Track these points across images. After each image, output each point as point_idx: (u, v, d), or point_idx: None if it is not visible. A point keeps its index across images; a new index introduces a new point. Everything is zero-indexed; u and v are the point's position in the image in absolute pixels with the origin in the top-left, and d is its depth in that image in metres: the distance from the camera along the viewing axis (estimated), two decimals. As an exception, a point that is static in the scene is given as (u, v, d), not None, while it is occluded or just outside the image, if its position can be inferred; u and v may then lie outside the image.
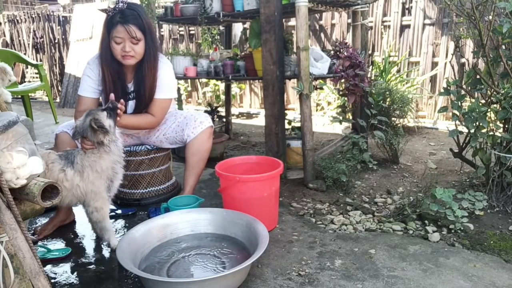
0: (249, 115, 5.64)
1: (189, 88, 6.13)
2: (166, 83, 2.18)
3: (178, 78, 3.50)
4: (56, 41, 7.46)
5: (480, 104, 2.30)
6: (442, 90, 2.56)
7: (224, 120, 4.10)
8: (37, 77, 7.21)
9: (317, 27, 5.15)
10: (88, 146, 1.77)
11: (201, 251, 1.82)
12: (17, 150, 1.12)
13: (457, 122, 2.45)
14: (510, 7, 2.08)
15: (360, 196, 2.54)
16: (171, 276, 1.64)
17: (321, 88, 4.16)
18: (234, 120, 4.80)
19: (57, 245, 1.99)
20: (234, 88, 5.42)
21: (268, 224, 1.97)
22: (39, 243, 2.00)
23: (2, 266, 1.07)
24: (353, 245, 1.90)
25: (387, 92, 3.63)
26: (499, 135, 2.29)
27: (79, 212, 2.26)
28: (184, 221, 1.95)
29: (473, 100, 2.31)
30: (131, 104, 2.22)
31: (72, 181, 1.73)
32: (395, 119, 3.66)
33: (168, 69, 2.20)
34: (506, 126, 2.31)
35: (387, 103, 3.61)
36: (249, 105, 5.82)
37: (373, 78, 3.73)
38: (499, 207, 2.26)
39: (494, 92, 2.34)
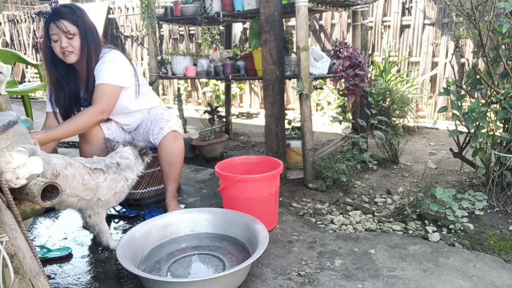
0: (249, 115, 5.64)
1: (189, 88, 6.13)
2: (105, 69, 2.03)
3: (178, 78, 3.51)
4: (56, 41, 7.46)
5: (480, 104, 2.30)
6: (442, 90, 2.56)
7: (224, 120, 4.10)
8: (37, 77, 7.21)
9: (317, 27, 5.15)
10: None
11: (201, 251, 1.82)
12: (17, 150, 1.12)
13: (457, 122, 2.45)
14: (510, 7, 2.08)
15: (360, 196, 2.54)
16: (171, 276, 1.64)
17: (321, 88, 4.16)
18: (234, 120, 4.80)
19: (57, 245, 1.99)
20: (234, 88, 5.41)
21: (268, 224, 1.97)
22: (39, 243, 2.00)
23: (2, 266, 1.07)
24: (353, 245, 1.90)
25: (387, 92, 3.63)
26: (499, 135, 2.29)
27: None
28: (184, 221, 1.95)
29: (473, 100, 2.31)
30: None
31: (101, 185, 1.79)
32: (395, 119, 3.65)
33: (109, 58, 2.06)
34: (506, 126, 2.31)
35: (387, 103, 3.61)
36: (249, 105, 5.82)
37: (373, 78, 3.73)
38: (499, 207, 2.26)
39: (494, 92, 2.34)
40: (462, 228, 2.02)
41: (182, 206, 2.39)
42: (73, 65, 2.07)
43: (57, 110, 2.14)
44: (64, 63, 2.05)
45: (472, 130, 2.34)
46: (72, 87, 2.12)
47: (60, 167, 1.66)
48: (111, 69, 2.04)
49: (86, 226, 2.13)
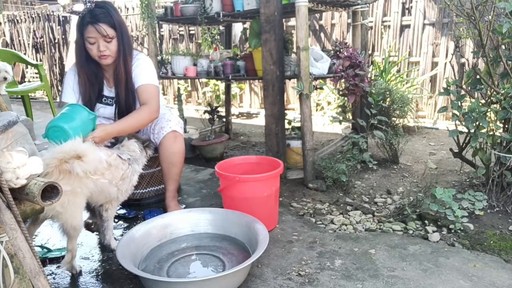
0: (249, 115, 5.64)
1: (189, 88, 6.13)
2: (144, 70, 2.11)
3: (178, 78, 3.51)
4: (56, 41, 7.46)
5: (480, 104, 2.30)
6: (442, 90, 2.56)
7: (224, 120, 4.10)
8: (37, 77, 7.20)
9: (317, 27, 5.15)
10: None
11: (201, 251, 1.82)
12: (17, 150, 1.12)
13: (457, 122, 2.45)
14: (510, 7, 2.08)
15: (360, 196, 2.54)
16: (171, 276, 1.64)
17: (321, 88, 4.16)
18: (234, 120, 4.80)
19: (57, 245, 1.99)
20: (234, 88, 5.41)
21: (268, 224, 1.97)
22: (39, 243, 2.00)
23: (2, 266, 1.07)
24: (353, 245, 1.90)
25: (387, 92, 3.63)
26: (499, 135, 2.29)
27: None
28: (184, 221, 1.95)
29: (473, 100, 2.31)
30: (112, 108, 2.17)
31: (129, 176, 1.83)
32: (395, 119, 3.65)
33: (144, 61, 2.14)
34: (506, 126, 2.31)
35: (387, 103, 3.61)
36: (249, 105, 5.82)
37: (373, 78, 3.73)
38: (499, 207, 2.26)
39: (494, 92, 2.34)
40: (462, 228, 2.02)
41: (182, 206, 2.39)
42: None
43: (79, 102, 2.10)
44: (95, 62, 2.04)
45: (472, 130, 2.34)
46: (99, 84, 2.13)
47: (112, 159, 1.73)
48: (151, 71, 2.14)
49: (87, 226, 2.13)
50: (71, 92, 2.11)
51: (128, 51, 2.06)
